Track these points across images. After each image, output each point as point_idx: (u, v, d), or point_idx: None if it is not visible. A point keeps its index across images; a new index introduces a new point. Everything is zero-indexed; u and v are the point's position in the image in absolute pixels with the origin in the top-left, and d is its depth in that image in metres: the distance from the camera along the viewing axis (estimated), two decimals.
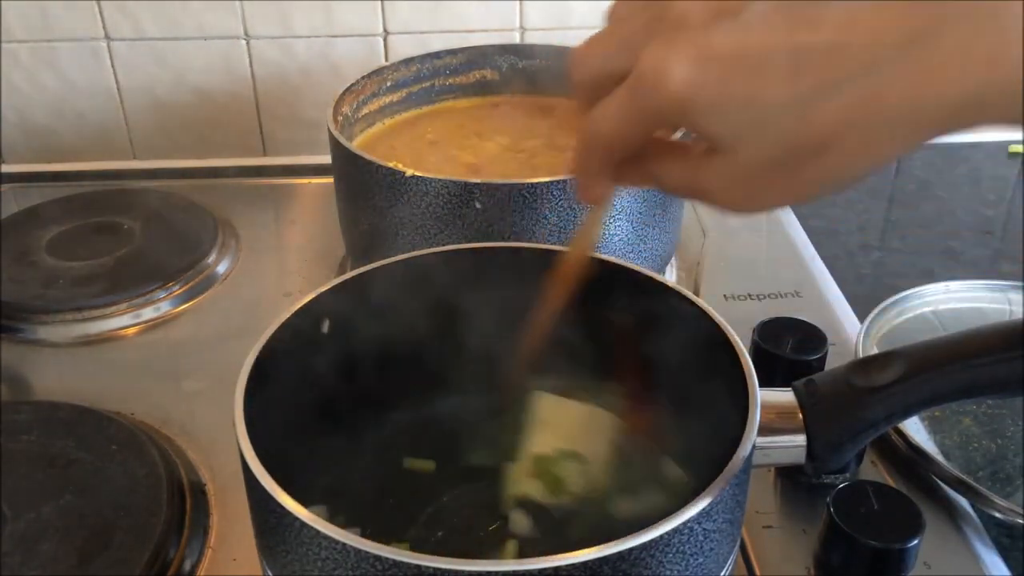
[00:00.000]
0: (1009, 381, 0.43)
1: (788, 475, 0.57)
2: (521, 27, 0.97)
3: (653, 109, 0.35)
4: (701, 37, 0.33)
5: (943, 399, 0.45)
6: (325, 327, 0.52)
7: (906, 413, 0.46)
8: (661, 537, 0.36)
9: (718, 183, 0.36)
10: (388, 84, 0.83)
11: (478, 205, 0.63)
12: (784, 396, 0.45)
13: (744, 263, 0.79)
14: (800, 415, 0.45)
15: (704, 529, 0.38)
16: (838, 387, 0.45)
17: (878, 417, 0.44)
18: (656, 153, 0.39)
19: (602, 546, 0.35)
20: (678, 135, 0.43)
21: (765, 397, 0.43)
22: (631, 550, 0.36)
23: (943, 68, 0.30)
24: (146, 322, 0.75)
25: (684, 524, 0.37)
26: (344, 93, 0.77)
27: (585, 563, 0.35)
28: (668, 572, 0.37)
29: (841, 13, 0.31)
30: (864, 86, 0.31)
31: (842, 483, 0.51)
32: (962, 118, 0.31)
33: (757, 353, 0.59)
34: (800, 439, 0.44)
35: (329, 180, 0.77)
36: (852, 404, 0.44)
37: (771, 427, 0.44)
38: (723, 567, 0.42)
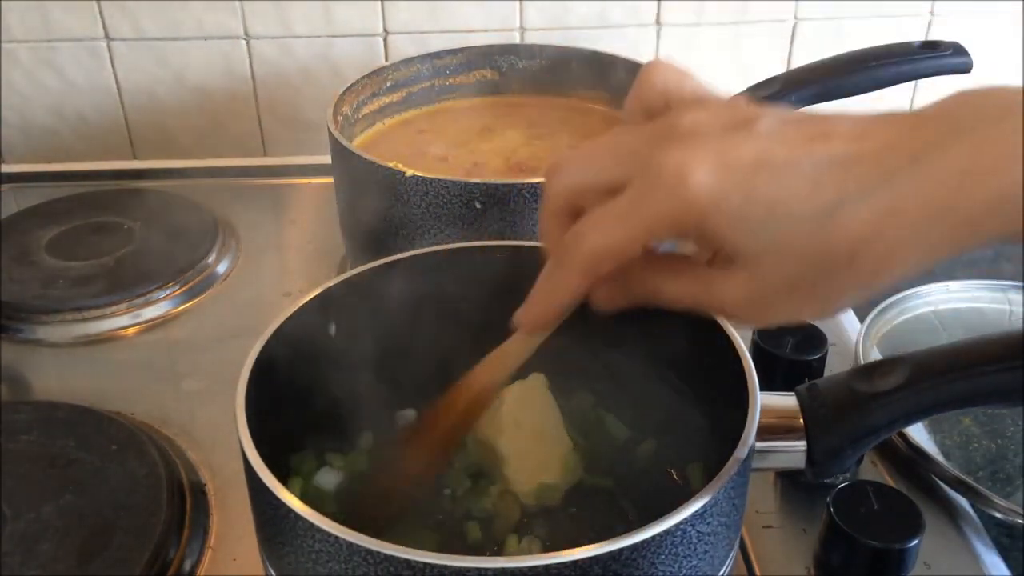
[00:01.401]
0: (1012, 390, 0.43)
1: (788, 475, 0.57)
2: (521, 27, 0.97)
3: (666, 215, 0.33)
4: (721, 144, 0.32)
5: (945, 407, 0.45)
6: (332, 330, 0.52)
7: (908, 420, 0.46)
8: (653, 538, 0.36)
9: (735, 299, 0.34)
10: (388, 84, 0.83)
11: (478, 205, 0.63)
12: (786, 400, 0.45)
13: None
14: (801, 420, 0.44)
15: (698, 532, 0.38)
16: (840, 392, 0.45)
17: (880, 423, 0.44)
18: (651, 266, 0.37)
19: (593, 546, 0.35)
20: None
21: (766, 401, 0.43)
22: (622, 550, 0.36)
23: (955, 178, 0.30)
24: (146, 322, 0.75)
25: (676, 526, 0.37)
26: (344, 93, 0.77)
27: (575, 562, 0.35)
28: (660, 573, 0.37)
29: (850, 126, 0.32)
30: (884, 195, 0.31)
31: (842, 483, 0.51)
32: (979, 228, 0.31)
33: (757, 353, 0.59)
34: (800, 444, 0.44)
35: (329, 180, 0.77)
36: (854, 410, 0.44)
37: (772, 431, 0.44)
38: (719, 569, 0.42)
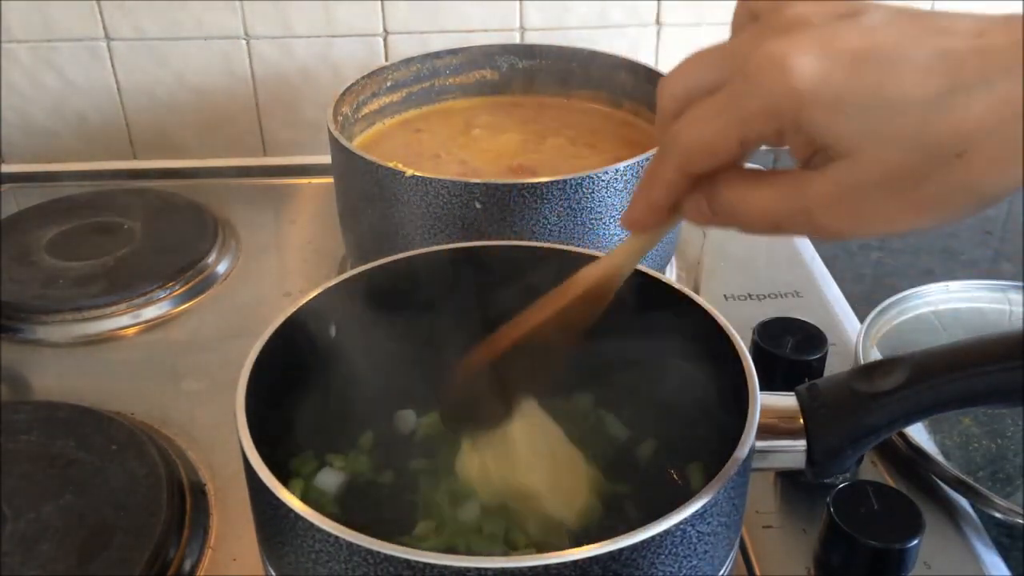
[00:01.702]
0: (1012, 390, 0.43)
1: (788, 475, 0.57)
2: (521, 27, 0.97)
3: (765, 107, 0.31)
4: (825, 32, 0.31)
5: (945, 407, 0.45)
6: (332, 330, 0.52)
7: (908, 420, 0.46)
8: (653, 538, 0.36)
9: (827, 198, 0.32)
10: (388, 84, 0.83)
11: (478, 205, 0.63)
12: (786, 400, 0.45)
13: (744, 263, 0.79)
14: (801, 420, 0.44)
15: (698, 532, 0.38)
16: (840, 392, 0.45)
17: (880, 423, 0.44)
18: (737, 179, 0.35)
19: (593, 546, 0.35)
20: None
21: (766, 401, 0.43)
22: (622, 550, 0.36)
23: None
24: (146, 322, 0.75)
25: (676, 526, 0.37)
26: (344, 93, 0.77)
27: (575, 562, 0.35)
28: (660, 573, 0.37)
29: (971, 23, 0.30)
30: (1004, 86, 0.29)
31: (842, 483, 0.51)
32: None
33: (757, 353, 0.59)
34: (800, 444, 0.44)
35: (329, 180, 0.77)
36: (854, 410, 0.44)
37: (772, 431, 0.44)
38: (719, 569, 0.42)
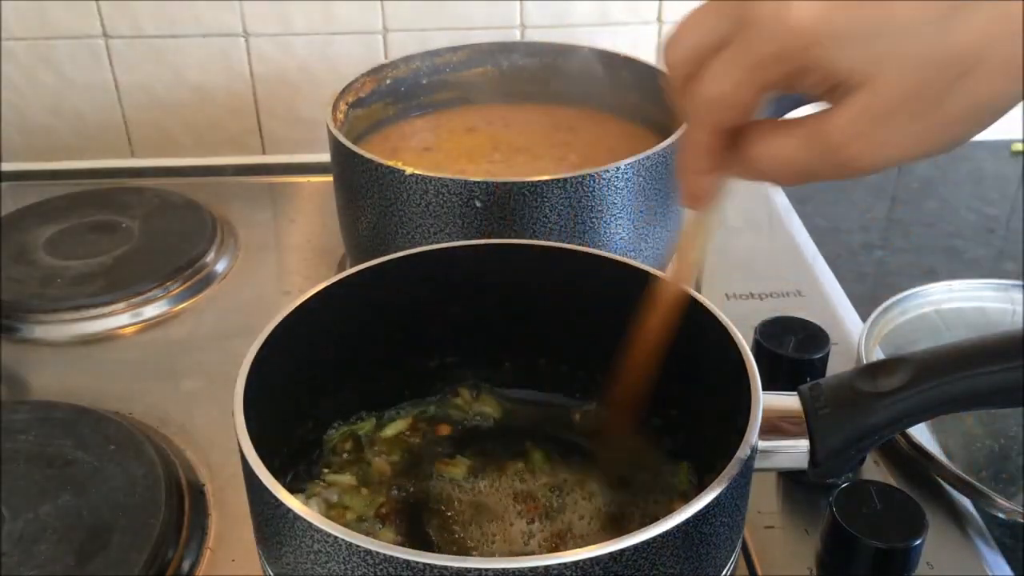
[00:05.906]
0: (1015, 390, 0.42)
1: (790, 475, 0.57)
2: (522, 24, 0.97)
3: (774, 52, 0.33)
4: None
5: (949, 407, 0.45)
6: (331, 329, 0.51)
7: (911, 420, 0.46)
8: (654, 539, 0.36)
9: (850, 130, 0.33)
10: (388, 82, 0.83)
11: (478, 204, 0.63)
12: (788, 400, 0.45)
13: (746, 262, 0.79)
14: (804, 419, 0.44)
15: (700, 532, 0.38)
16: (843, 392, 0.44)
17: (883, 423, 0.43)
18: (761, 132, 0.36)
19: (594, 546, 0.35)
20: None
21: (768, 400, 0.43)
22: (623, 551, 0.35)
23: None
24: (144, 321, 0.75)
25: (678, 527, 0.36)
26: (343, 91, 0.77)
27: (577, 563, 0.35)
28: (662, 574, 0.37)
29: None
30: (1007, 3, 0.30)
31: (844, 483, 0.51)
32: None
33: (759, 352, 0.59)
34: (803, 444, 0.44)
35: (328, 178, 0.76)
36: (857, 410, 0.44)
37: (774, 431, 0.44)
38: (721, 570, 0.42)
